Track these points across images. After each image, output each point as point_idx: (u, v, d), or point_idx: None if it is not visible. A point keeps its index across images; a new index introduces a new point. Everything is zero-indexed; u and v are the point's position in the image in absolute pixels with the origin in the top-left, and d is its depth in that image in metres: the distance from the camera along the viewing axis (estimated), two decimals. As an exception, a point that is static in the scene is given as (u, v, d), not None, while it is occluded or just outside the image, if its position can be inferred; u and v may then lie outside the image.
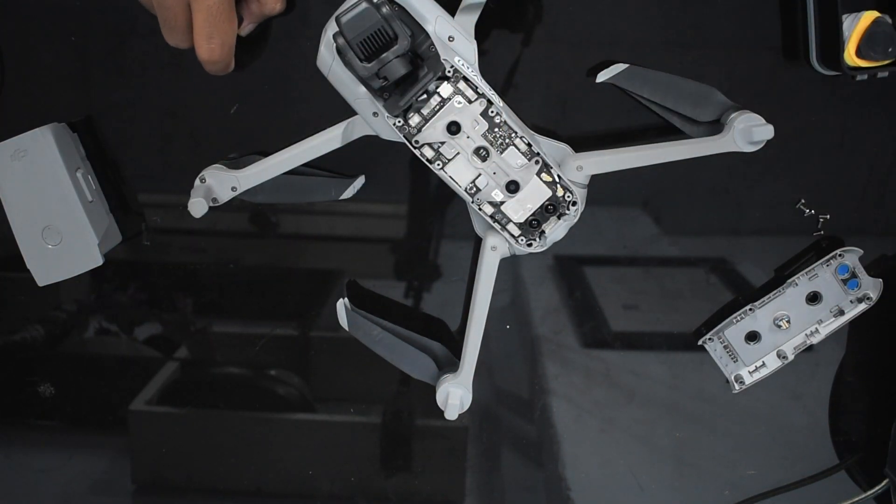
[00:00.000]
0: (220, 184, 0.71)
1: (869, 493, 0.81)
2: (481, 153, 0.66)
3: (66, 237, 0.72)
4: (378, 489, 0.85)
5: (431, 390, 0.74)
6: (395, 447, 0.85)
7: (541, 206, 0.68)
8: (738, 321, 0.78)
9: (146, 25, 0.72)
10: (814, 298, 0.77)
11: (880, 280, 0.76)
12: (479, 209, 0.68)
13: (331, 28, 0.64)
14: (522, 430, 0.85)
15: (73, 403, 0.83)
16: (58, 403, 0.83)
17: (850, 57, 0.69)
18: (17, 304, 0.81)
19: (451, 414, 0.72)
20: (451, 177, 0.67)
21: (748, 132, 0.68)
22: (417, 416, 0.84)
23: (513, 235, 0.69)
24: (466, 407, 0.73)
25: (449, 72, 0.64)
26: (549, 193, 0.68)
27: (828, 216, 0.77)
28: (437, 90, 0.65)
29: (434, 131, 0.66)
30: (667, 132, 0.73)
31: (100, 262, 0.73)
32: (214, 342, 0.82)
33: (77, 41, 0.74)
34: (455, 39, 0.65)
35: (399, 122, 0.66)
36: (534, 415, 0.84)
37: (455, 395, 0.72)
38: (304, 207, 0.78)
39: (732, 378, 0.79)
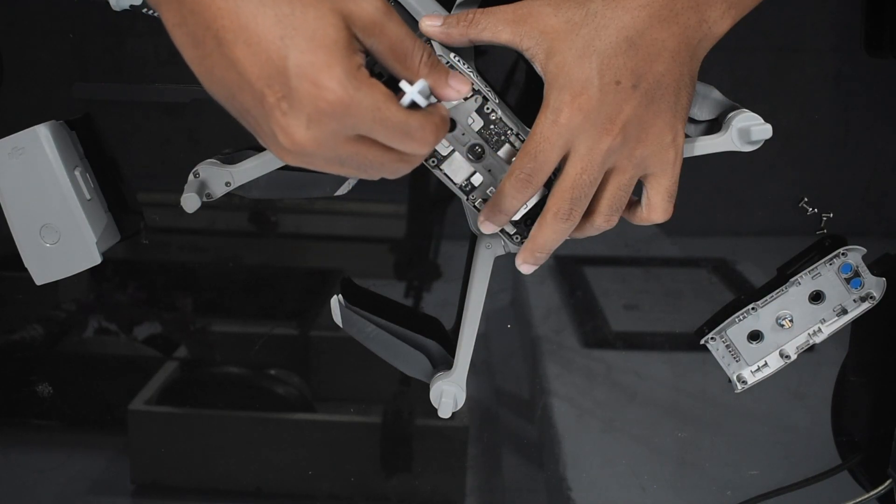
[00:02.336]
0: (213, 179, 0.71)
1: (872, 493, 0.80)
2: (476, 150, 0.66)
3: (64, 236, 0.72)
4: (378, 489, 0.85)
5: (431, 390, 0.74)
6: (395, 447, 0.84)
7: (536, 204, 0.67)
8: (740, 320, 0.77)
9: (144, 24, 0.72)
10: (816, 297, 0.76)
11: (883, 279, 0.76)
12: (475, 207, 0.67)
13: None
14: (523, 431, 0.85)
15: (72, 403, 0.83)
16: (56, 403, 0.83)
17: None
18: (15, 304, 0.81)
19: (445, 412, 0.71)
20: (445, 174, 0.66)
21: (746, 132, 0.66)
22: (417, 416, 0.84)
23: (507, 233, 0.68)
24: (460, 405, 0.72)
25: (445, 68, 0.64)
26: (545, 192, 0.67)
27: (830, 214, 0.77)
28: None
29: None
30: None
31: (98, 260, 0.73)
32: (213, 341, 0.82)
33: (75, 39, 0.74)
34: (451, 36, 0.64)
35: None
36: (534, 415, 0.84)
37: (448, 394, 0.71)
38: (304, 206, 0.78)
39: (735, 378, 0.78)
